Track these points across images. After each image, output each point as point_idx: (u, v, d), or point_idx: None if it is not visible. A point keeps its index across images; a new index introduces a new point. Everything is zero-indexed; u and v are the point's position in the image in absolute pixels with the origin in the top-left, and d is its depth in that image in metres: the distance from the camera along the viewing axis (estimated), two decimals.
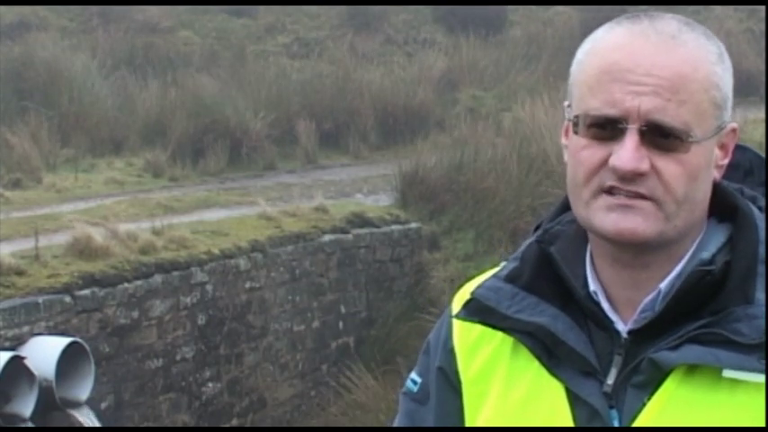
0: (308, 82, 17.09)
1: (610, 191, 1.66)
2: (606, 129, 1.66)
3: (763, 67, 16.78)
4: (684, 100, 1.65)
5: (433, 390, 1.85)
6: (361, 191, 13.90)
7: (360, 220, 12.04)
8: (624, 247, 1.68)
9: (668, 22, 1.69)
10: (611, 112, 1.65)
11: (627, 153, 1.63)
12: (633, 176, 1.64)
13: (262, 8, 20.48)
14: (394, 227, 12.34)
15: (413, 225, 12.57)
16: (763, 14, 18.33)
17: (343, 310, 11.70)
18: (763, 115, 14.01)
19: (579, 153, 1.69)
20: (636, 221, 1.65)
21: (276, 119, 15.62)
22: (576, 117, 1.69)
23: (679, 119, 1.64)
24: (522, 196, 12.50)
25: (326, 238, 11.50)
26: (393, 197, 13.18)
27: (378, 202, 13.09)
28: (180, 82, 16.48)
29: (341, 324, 11.69)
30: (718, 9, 20.25)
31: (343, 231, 11.74)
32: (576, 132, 1.70)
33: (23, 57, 16.41)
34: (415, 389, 1.88)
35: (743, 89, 17.58)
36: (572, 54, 1.77)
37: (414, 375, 1.89)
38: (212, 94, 15.70)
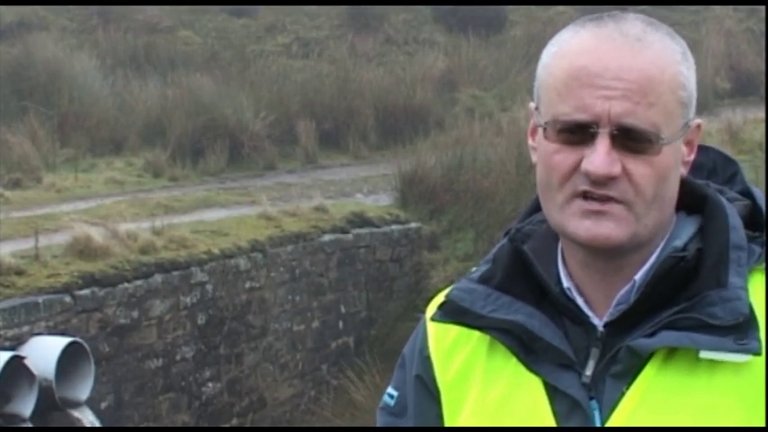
0: (308, 82, 17.10)
1: (583, 195, 1.68)
2: (576, 133, 1.68)
3: (763, 67, 16.77)
4: (653, 102, 1.67)
5: (411, 399, 1.86)
6: (361, 191, 13.90)
7: (360, 220, 12.04)
8: (597, 251, 1.70)
9: (633, 24, 1.71)
10: (582, 117, 1.67)
11: (599, 158, 1.65)
12: (606, 180, 1.66)
13: (262, 8, 20.48)
14: (394, 227, 12.35)
15: (413, 225, 12.57)
16: (763, 14, 18.32)
17: (343, 309, 11.71)
18: (763, 115, 14.02)
19: (551, 158, 1.71)
20: (609, 227, 1.67)
21: (276, 119, 15.62)
22: (546, 122, 1.71)
23: (648, 121, 1.66)
24: (521, 196, 12.49)
25: (326, 237, 11.51)
26: (393, 197, 13.18)
27: (378, 202, 13.10)
28: (180, 82, 16.48)
29: (341, 324, 11.69)
30: (717, 9, 20.24)
31: (343, 231, 11.75)
32: (545, 137, 1.72)
33: (23, 57, 16.42)
34: (392, 402, 1.88)
35: (743, 89, 17.58)
36: None
37: (390, 390, 1.90)
38: (212, 94, 15.71)
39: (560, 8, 20.58)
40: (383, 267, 12.16)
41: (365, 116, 16.27)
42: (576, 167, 1.68)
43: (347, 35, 19.71)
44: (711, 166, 1.84)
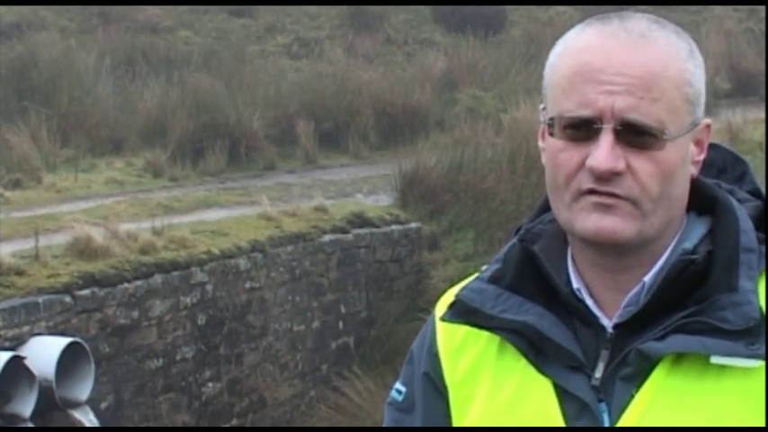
0: (307, 82, 17.09)
1: (588, 193, 1.67)
2: (581, 130, 1.68)
3: (763, 67, 16.77)
4: (657, 98, 1.66)
5: (419, 397, 1.85)
6: (361, 191, 13.90)
7: (360, 220, 12.04)
8: (604, 249, 1.70)
9: (638, 22, 1.71)
10: (585, 112, 1.67)
11: (602, 153, 1.65)
12: (609, 176, 1.65)
13: (262, 8, 20.48)
14: (394, 227, 12.34)
15: (413, 225, 12.57)
16: (763, 14, 18.32)
17: (343, 310, 11.70)
18: (763, 115, 14.01)
19: (557, 156, 1.70)
20: (615, 221, 1.66)
21: (276, 119, 15.62)
22: (552, 119, 1.71)
23: (652, 117, 1.66)
24: (522, 196, 12.50)
25: (326, 238, 11.50)
26: (393, 197, 13.17)
27: (378, 202, 13.09)
28: (180, 82, 16.48)
29: (341, 324, 11.69)
30: (718, 9, 20.25)
31: (344, 231, 11.74)
32: (551, 135, 1.71)
33: (23, 57, 16.41)
34: (400, 398, 1.88)
35: (743, 89, 17.58)
36: None
37: (398, 385, 1.90)
38: (212, 94, 15.70)
39: (560, 8, 20.59)
40: (383, 267, 12.16)
41: (365, 116, 16.27)
42: (581, 165, 1.68)
43: (347, 35, 19.71)
44: (722, 164, 1.83)
